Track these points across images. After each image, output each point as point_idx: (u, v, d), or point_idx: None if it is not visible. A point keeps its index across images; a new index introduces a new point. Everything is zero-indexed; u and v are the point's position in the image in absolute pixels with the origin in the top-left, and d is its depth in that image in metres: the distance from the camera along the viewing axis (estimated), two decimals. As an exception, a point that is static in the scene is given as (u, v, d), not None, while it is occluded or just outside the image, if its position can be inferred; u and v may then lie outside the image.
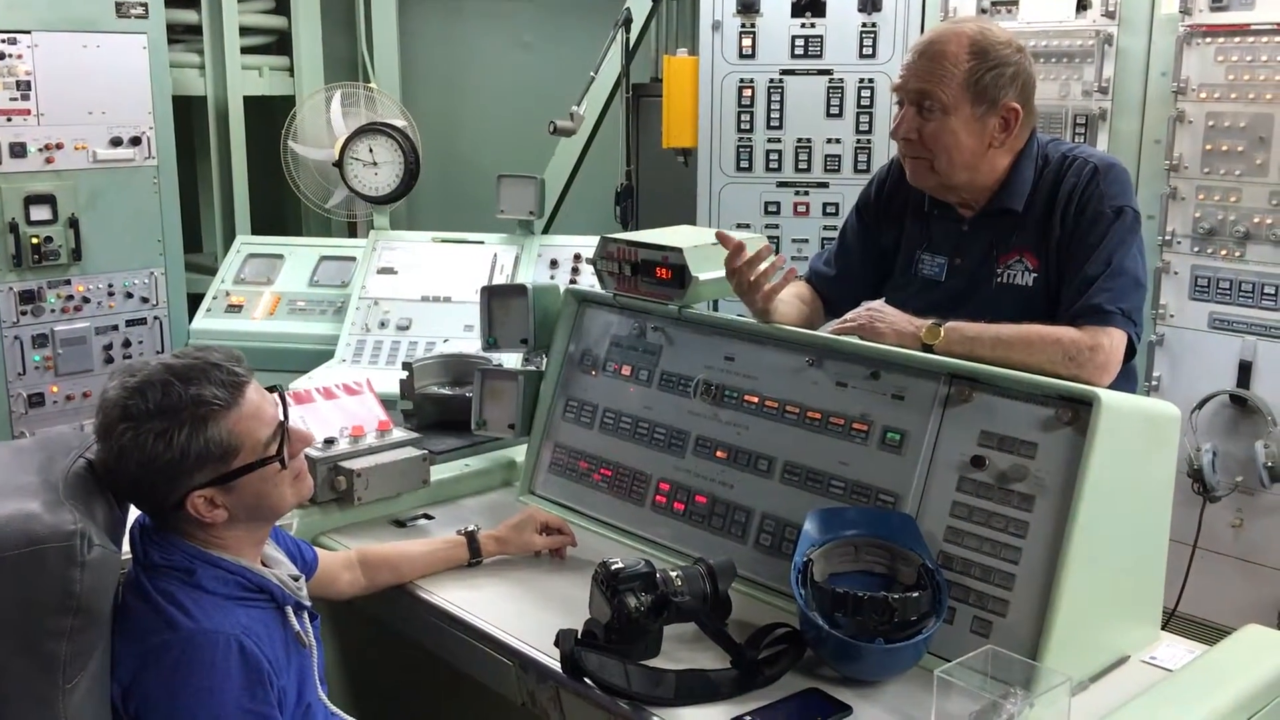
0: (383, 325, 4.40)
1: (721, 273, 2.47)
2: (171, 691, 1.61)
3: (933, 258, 2.40)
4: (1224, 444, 3.35)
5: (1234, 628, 2.07)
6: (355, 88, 5.27)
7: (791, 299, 2.38)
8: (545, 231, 4.75)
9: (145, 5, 4.52)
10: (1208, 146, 3.42)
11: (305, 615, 1.88)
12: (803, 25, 4.10)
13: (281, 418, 1.77)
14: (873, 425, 2.15)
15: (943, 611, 1.86)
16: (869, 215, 2.53)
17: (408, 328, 4.38)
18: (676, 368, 2.50)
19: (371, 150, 4.66)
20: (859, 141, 4.12)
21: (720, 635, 1.93)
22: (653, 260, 2.50)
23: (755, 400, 2.34)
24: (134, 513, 1.79)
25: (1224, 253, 3.41)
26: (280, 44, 5.74)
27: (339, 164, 4.69)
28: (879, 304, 2.11)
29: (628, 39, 4.43)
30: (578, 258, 4.48)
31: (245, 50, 5.43)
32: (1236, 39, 3.31)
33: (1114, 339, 2.10)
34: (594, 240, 4.54)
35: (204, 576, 1.71)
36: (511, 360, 2.93)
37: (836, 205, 4.17)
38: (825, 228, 4.16)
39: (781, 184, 4.20)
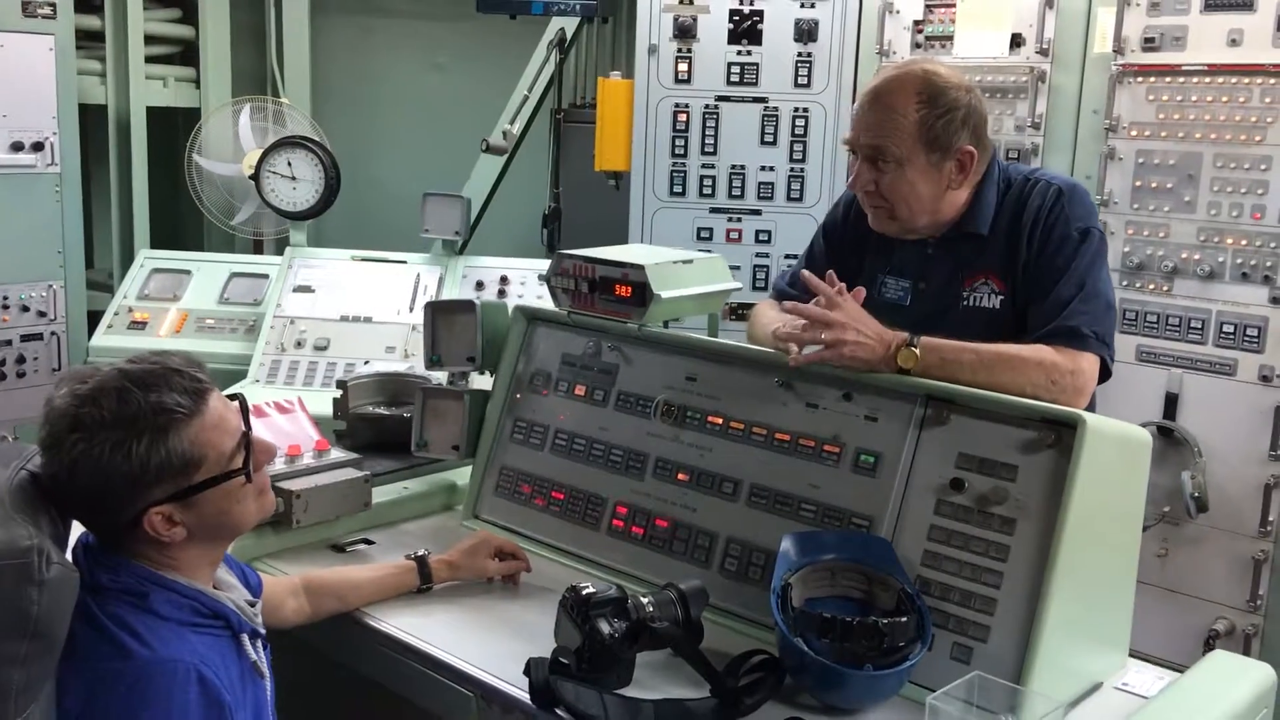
0: (299, 345, 4.23)
1: (683, 291, 2.44)
2: (126, 723, 1.47)
3: (897, 281, 2.38)
4: (1150, 475, 3.40)
5: (1162, 658, 2.08)
6: (265, 102, 5.12)
7: (769, 321, 2.34)
8: (460, 253, 4.64)
9: (54, 6, 4.30)
10: (1137, 183, 3.50)
11: (259, 643, 1.75)
12: (739, 52, 4.09)
13: (244, 428, 1.65)
14: (845, 447, 2.11)
15: (928, 637, 1.82)
16: (835, 237, 2.51)
17: (326, 348, 4.22)
18: (634, 388, 2.43)
19: (290, 164, 4.51)
20: (793, 170, 4.12)
21: (700, 662, 1.86)
22: (611, 277, 2.44)
23: (719, 421, 2.29)
24: (75, 532, 1.65)
25: (1152, 286, 3.49)
26: (186, 54, 5.54)
27: (255, 177, 4.52)
28: (846, 316, 2.05)
29: (561, 60, 4.38)
30: (504, 279, 4.39)
31: (150, 60, 5.22)
32: (1168, 79, 3.40)
33: (1090, 363, 2.11)
34: (521, 262, 4.59)
35: (157, 600, 1.58)
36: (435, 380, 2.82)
37: (769, 233, 4.16)
38: (757, 254, 4.15)
39: (715, 210, 4.18)
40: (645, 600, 1.95)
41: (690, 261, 2.51)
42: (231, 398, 1.67)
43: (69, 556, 1.61)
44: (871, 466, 2.07)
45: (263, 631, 1.76)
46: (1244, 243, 3.33)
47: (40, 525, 1.46)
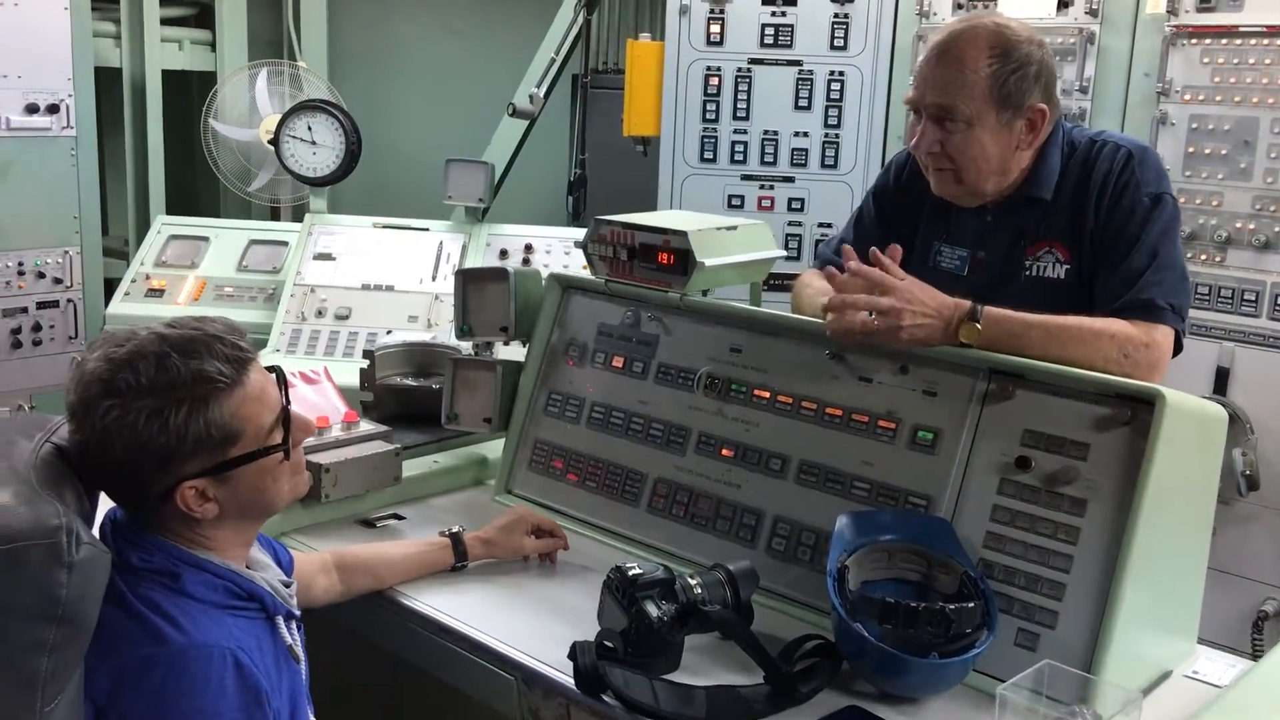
0: (320, 314, 4.14)
1: (726, 259, 2.34)
2: (159, 712, 1.39)
3: (952, 250, 2.27)
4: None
5: (1210, 640, 1.99)
6: (282, 65, 5.01)
7: (817, 291, 2.24)
8: (481, 220, 4.53)
9: (68, -36, 4.20)
10: (1190, 149, 3.38)
11: (294, 625, 1.67)
12: (773, 13, 3.95)
13: (284, 402, 1.56)
14: (901, 423, 2.02)
15: (994, 624, 1.73)
16: (887, 202, 2.39)
17: (347, 317, 4.13)
18: (675, 359, 2.34)
19: (311, 129, 4.40)
20: (827, 136, 3.99)
21: (754, 648, 1.77)
22: (653, 244, 2.34)
23: (766, 395, 2.20)
24: (102, 507, 1.56)
25: (1204, 257, 3.37)
26: (201, 16, 5.43)
27: (274, 143, 4.41)
28: (904, 293, 1.94)
29: (588, 22, 4.26)
30: (529, 247, 4.28)
31: (165, 21, 5.11)
32: (1224, 41, 3.27)
33: (1165, 336, 2.00)
34: (546, 230, 4.49)
35: (190, 581, 1.50)
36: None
37: (802, 201, 4.04)
38: (790, 223, 4.03)
39: (746, 177, 4.05)
40: (693, 581, 1.87)
41: (734, 228, 2.41)
42: (269, 369, 1.57)
43: (96, 533, 1.53)
44: (930, 443, 1.98)
45: (298, 614, 1.68)
46: (1305, 210, 3.21)
47: (67, 501, 1.37)
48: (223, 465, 1.50)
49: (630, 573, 1.83)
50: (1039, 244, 2.18)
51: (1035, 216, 2.18)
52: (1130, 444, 1.77)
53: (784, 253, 2.54)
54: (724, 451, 2.22)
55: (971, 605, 1.71)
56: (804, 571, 2.06)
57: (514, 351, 2.63)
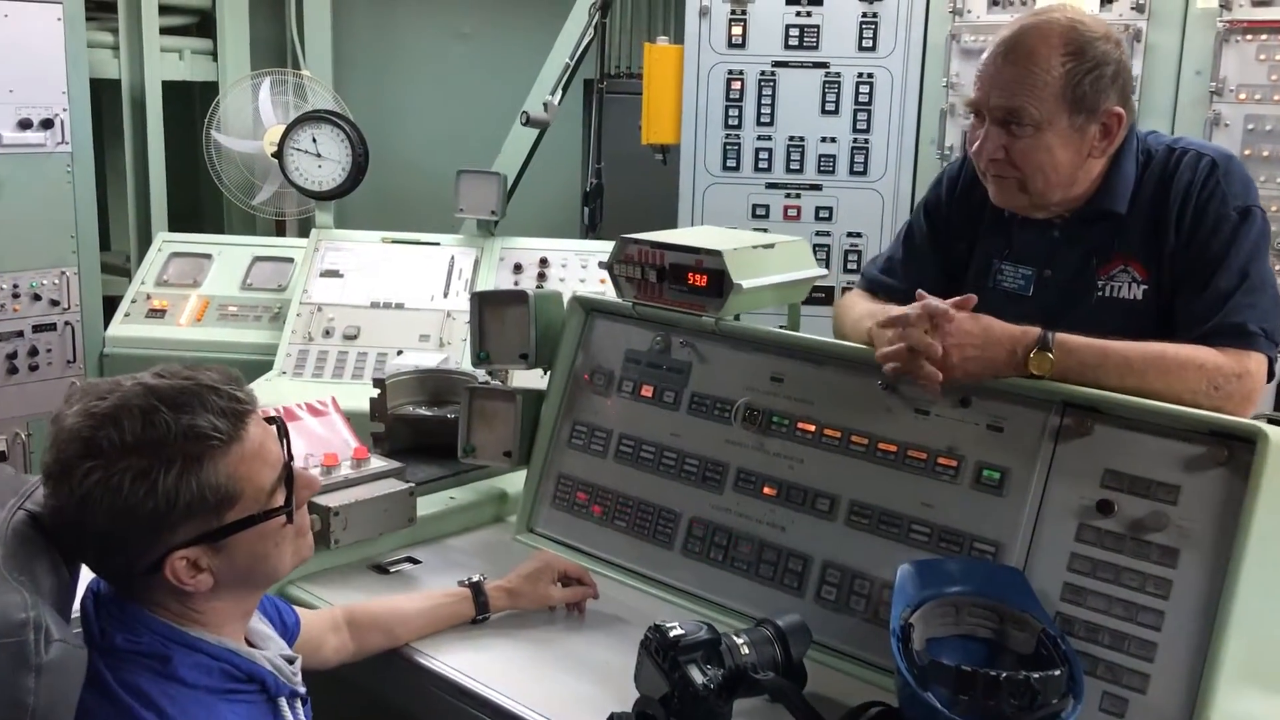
0: (327, 334, 3.98)
1: (764, 280, 2.17)
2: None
3: (1015, 268, 2.08)
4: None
5: None
6: (286, 75, 4.86)
7: (863, 314, 2.06)
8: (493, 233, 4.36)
9: (60, -28, 4.04)
10: (1246, 151, 3.22)
11: (299, 704, 1.50)
12: (798, 14, 3.77)
13: (286, 458, 1.39)
14: (964, 461, 1.84)
15: (1081, 692, 1.55)
16: (940, 219, 2.20)
17: (356, 337, 3.96)
18: (710, 389, 2.17)
19: (316, 140, 4.24)
20: (856, 141, 3.81)
21: (811, 717, 1.59)
22: (684, 265, 2.17)
23: (811, 429, 2.02)
24: (85, 577, 1.39)
25: (1261, 265, 3.19)
26: (202, 25, 5.31)
27: (278, 155, 4.25)
28: (960, 327, 1.76)
29: (603, 24, 4.08)
30: (544, 261, 4.11)
31: (165, 31, 4.98)
32: (1281, 36, 3.11)
33: (1259, 364, 1.81)
34: (561, 243, 4.31)
35: (181, 664, 1.33)
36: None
37: (830, 210, 3.86)
38: (818, 233, 3.85)
39: (771, 185, 3.87)
40: (740, 641, 1.70)
41: (771, 246, 2.24)
42: (268, 421, 1.40)
43: (77, 607, 1.36)
44: (997, 483, 1.80)
45: (302, 691, 1.50)
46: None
47: (40, 583, 1.21)
48: (218, 532, 1.33)
49: (672, 634, 1.65)
50: (1113, 262, 1.99)
51: (1109, 232, 1.99)
52: (1227, 486, 1.60)
53: (824, 271, 2.36)
54: (766, 490, 2.05)
55: (1058, 673, 1.53)
56: (857, 623, 1.89)
57: (533, 379, 2.46)
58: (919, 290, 1.86)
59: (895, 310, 1.85)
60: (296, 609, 1.77)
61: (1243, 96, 3.17)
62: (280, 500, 1.38)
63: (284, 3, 5.47)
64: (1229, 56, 3.17)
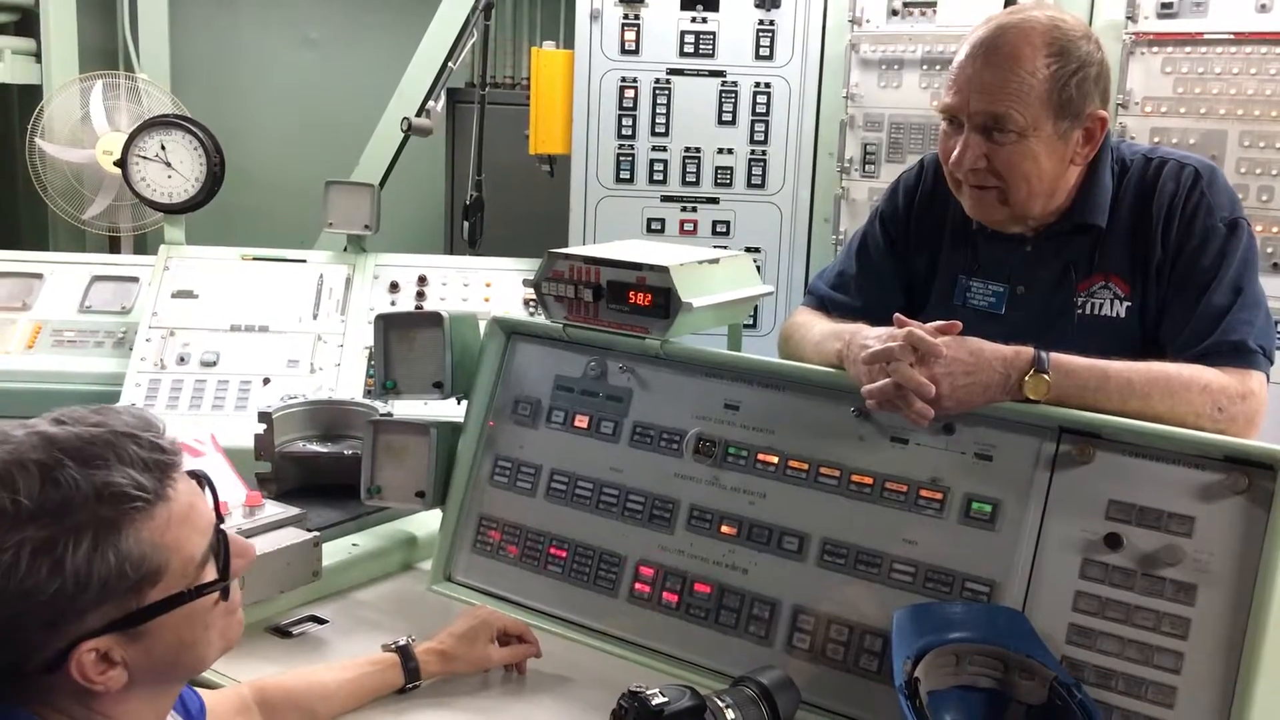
0: (182, 360, 3.61)
1: (712, 298, 1.99)
2: None
3: (985, 285, 1.95)
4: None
5: None
6: (119, 78, 4.46)
7: (825, 335, 1.89)
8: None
9: None
10: (1151, 165, 3.19)
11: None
12: (693, 19, 3.62)
13: (216, 520, 1.13)
14: (949, 493, 1.70)
15: (1107, 746, 1.42)
16: (898, 231, 2.05)
17: (215, 363, 3.61)
18: (655, 418, 1.98)
19: (165, 148, 3.86)
20: (753, 153, 3.67)
21: (819, 795, 1.42)
22: (624, 282, 1.98)
23: (773, 460, 1.85)
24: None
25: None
26: (23, 24, 4.83)
27: (121, 164, 3.86)
28: (949, 355, 1.62)
29: (487, 28, 3.85)
30: (422, 280, 3.83)
31: (-18, 30, 4.52)
32: (1187, 49, 3.09)
33: (1261, 384, 1.72)
34: (439, 259, 4.04)
35: (85, 784, 1.05)
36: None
37: (728, 224, 3.71)
38: (715, 248, 3.67)
39: (667, 198, 3.69)
40: (723, 704, 1.52)
41: (716, 261, 2.06)
42: (191, 475, 1.14)
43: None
44: (988, 517, 1.67)
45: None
46: (1275, 230, 3.05)
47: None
48: (138, 615, 1.07)
49: (654, 702, 1.46)
50: (1093, 278, 1.88)
51: (1086, 245, 1.88)
52: (1247, 516, 1.50)
53: (769, 289, 2.20)
54: (724, 528, 1.86)
55: (1087, 729, 1.39)
56: (836, 675, 1.73)
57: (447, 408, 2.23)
58: (897, 315, 1.71)
59: (873, 340, 1.69)
60: (200, 691, 1.49)
61: (1149, 110, 3.16)
62: (212, 574, 1.12)
63: (115, 2, 5.05)
64: (1135, 69, 3.15)
